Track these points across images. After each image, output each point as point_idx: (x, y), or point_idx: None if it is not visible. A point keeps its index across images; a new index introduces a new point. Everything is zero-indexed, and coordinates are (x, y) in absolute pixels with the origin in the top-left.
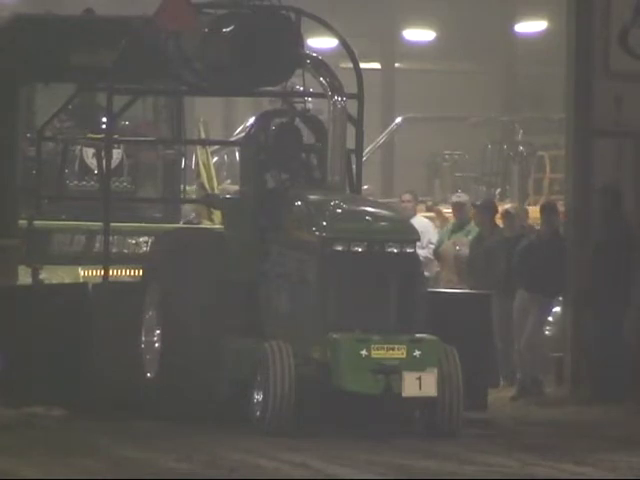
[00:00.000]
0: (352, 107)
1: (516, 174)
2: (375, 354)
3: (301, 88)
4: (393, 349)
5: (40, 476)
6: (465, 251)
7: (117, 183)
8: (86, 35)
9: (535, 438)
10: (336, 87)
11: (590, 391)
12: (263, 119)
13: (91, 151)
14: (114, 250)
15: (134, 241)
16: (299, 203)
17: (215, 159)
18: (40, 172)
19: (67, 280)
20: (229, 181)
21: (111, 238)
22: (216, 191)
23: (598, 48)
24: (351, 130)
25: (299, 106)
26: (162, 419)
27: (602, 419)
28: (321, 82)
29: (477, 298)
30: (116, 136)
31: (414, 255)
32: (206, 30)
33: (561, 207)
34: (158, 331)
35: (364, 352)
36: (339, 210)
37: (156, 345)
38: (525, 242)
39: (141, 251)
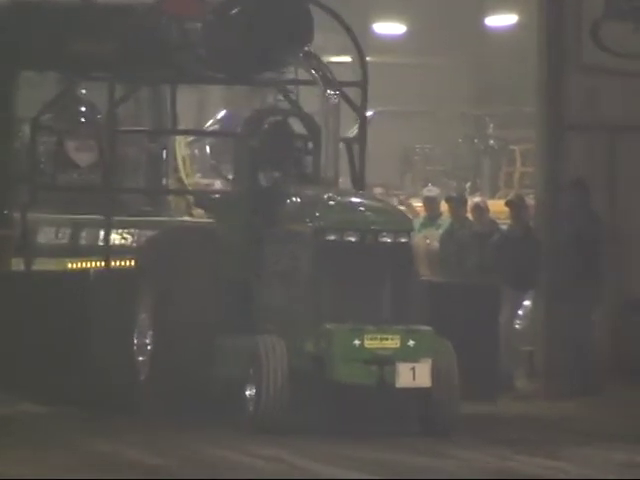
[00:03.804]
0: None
1: (487, 168)
2: (368, 344)
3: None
4: (387, 339)
5: (12, 473)
6: (436, 245)
7: (93, 176)
8: (85, 23)
9: (509, 433)
10: (329, 80)
11: (562, 385)
12: (256, 118)
13: (73, 144)
14: (100, 243)
15: (123, 234)
16: (292, 197)
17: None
18: (35, 162)
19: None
20: (199, 175)
21: (100, 231)
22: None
23: (570, 42)
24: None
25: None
26: (151, 415)
27: (574, 413)
28: (313, 75)
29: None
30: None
31: (408, 245)
32: (211, 15)
33: (531, 201)
34: (151, 331)
35: (357, 342)
36: (332, 201)
37: (149, 345)
38: (497, 237)
39: (129, 244)
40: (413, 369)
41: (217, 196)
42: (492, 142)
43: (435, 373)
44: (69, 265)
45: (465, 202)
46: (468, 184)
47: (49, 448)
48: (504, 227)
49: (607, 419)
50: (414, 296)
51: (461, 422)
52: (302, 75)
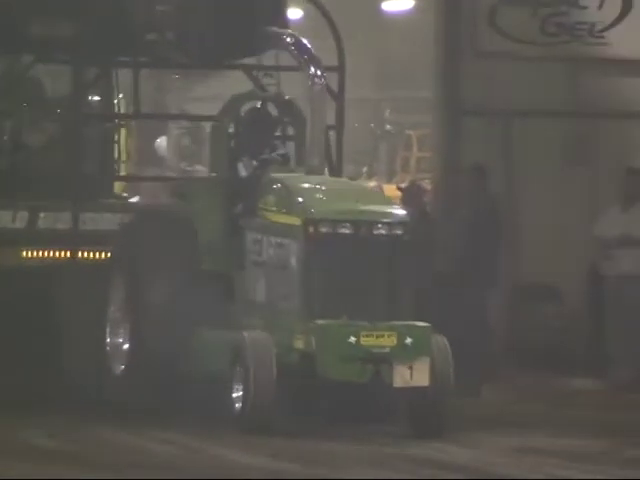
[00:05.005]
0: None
1: (384, 153)
2: (364, 341)
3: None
4: (383, 336)
5: None
6: None
7: (48, 159)
8: (47, 4)
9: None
10: (315, 63)
11: (458, 370)
12: (233, 104)
13: (25, 125)
14: (64, 227)
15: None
16: (277, 186)
17: None
18: None
19: (9, 261)
20: None
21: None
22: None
23: (467, 26)
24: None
25: (272, 89)
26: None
27: (469, 400)
28: (297, 58)
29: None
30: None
31: (403, 238)
32: None
33: (428, 186)
34: (125, 326)
35: (352, 339)
36: (323, 192)
37: (123, 340)
38: None
39: (91, 228)
40: (411, 368)
41: (192, 182)
42: (389, 127)
43: (431, 371)
44: (34, 254)
45: None
46: (365, 169)
47: None
48: None
49: (502, 404)
50: (411, 291)
51: (454, 420)
52: (285, 59)
